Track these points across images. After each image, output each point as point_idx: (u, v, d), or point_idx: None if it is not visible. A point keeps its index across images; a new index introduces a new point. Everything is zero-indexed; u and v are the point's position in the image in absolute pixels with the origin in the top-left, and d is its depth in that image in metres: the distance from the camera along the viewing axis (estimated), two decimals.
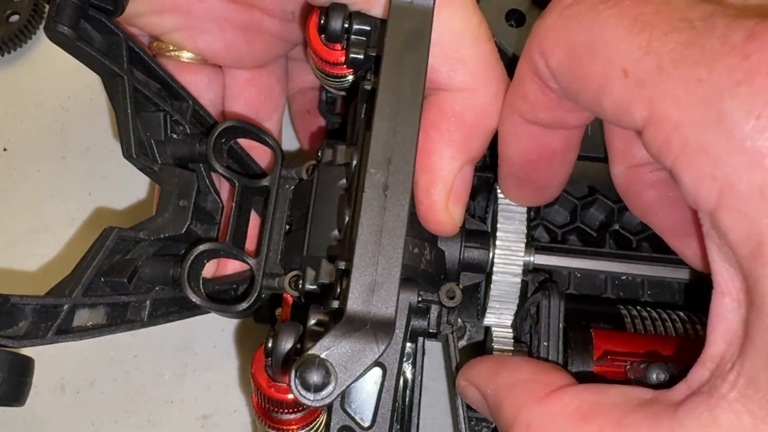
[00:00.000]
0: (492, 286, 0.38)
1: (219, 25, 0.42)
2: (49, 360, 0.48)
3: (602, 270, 0.42)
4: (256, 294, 0.39)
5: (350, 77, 0.38)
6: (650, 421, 0.26)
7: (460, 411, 0.38)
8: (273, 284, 0.39)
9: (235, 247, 0.40)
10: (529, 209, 0.39)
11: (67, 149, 0.56)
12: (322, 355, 0.29)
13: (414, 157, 0.32)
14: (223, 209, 0.42)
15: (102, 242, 0.38)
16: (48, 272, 0.53)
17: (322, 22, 0.35)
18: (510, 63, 0.40)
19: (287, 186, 0.41)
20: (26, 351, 0.34)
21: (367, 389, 0.32)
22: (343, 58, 0.37)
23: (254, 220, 0.42)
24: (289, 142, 0.53)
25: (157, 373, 0.50)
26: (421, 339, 0.37)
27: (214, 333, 0.51)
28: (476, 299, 0.42)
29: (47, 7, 0.36)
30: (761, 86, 0.23)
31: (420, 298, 0.34)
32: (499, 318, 0.39)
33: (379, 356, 0.29)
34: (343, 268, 0.32)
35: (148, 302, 0.39)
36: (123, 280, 0.37)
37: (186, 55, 0.44)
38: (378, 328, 0.29)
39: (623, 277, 0.43)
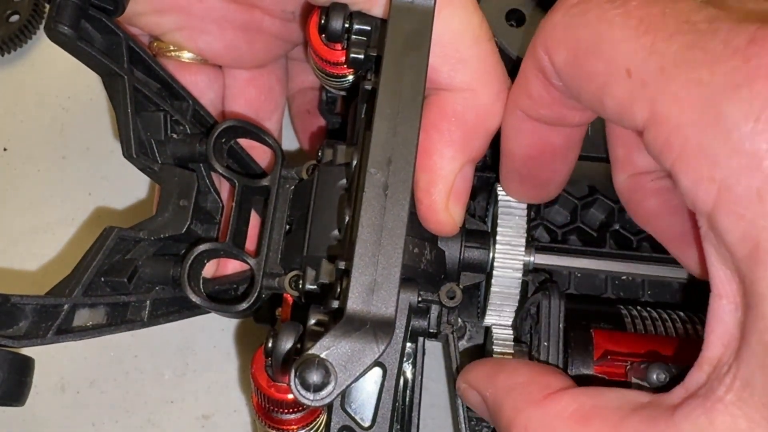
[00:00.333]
0: (492, 286, 0.38)
1: (219, 25, 0.42)
2: (49, 360, 0.48)
3: (602, 270, 0.42)
4: (256, 294, 0.39)
5: (350, 77, 0.38)
6: (647, 424, 0.26)
7: (460, 411, 0.38)
8: (273, 284, 0.39)
9: (235, 247, 0.40)
10: (529, 209, 0.39)
11: (67, 149, 0.56)
12: (322, 355, 0.29)
13: (414, 157, 0.32)
14: (223, 209, 0.42)
15: (102, 242, 0.38)
16: (48, 272, 0.53)
17: (322, 21, 0.35)
18: (510, 63, 0.41)
19: (287, 186, 0.41)
20: (26, 351, 0.34)
21: (368, 389, 0.32)
22: (343, 58, 0.37)
23: (254, 220, 0.42)
24: (289, 142, 0.53)
25: (157, 373, 0.50)
26: (421, 339, 0.37)
27: (214, 333, 0.51)
28: (476, 299, 0.42)
29: (47, 7, 0.36)
30: (761, 90, 0.23)
31: (420, 298, 0.34)
32: (500, 318, 0.39)
33: (379, 356, 0.29)
34: (343, 268, 0.32)
35: (148, 302, 0.39)
36: (123, 280, 0.37)
37: (186, 55, 0.44)
38: (378, 328, 0.29)
39: (623, 277, 0.43)
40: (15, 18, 0.58)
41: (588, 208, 0.44)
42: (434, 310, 0.36)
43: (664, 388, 0.28)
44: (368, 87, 0.35)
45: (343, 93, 0.41)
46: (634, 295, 0.43)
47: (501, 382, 0.32)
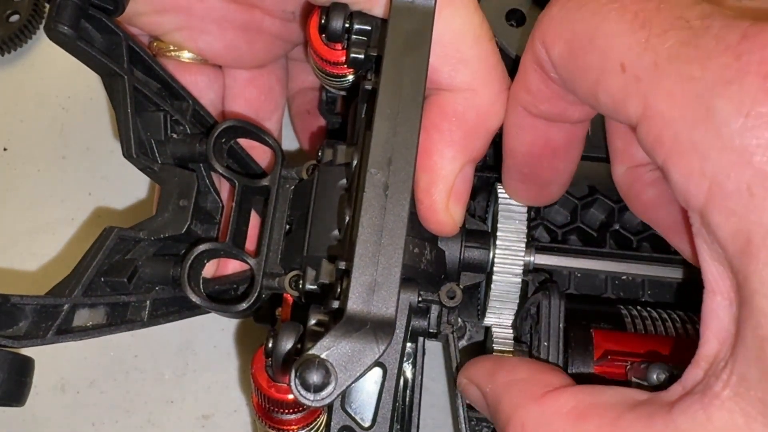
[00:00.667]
0: (492, 286, 0.38)
1: (219, 25, 0.42)
2: (49, 360, 0.48)
3: (602, 270, 0.42)
4: (256, 294, 0.39)
5: (351, 77, 0.38)
6: (645, 420, 0.26)
7: (460, 411, 0.38)
8: (273, 284, 0.39)
9: (235, 247, 0.40)
10: (530, 209, 0.39)
11: (67, 149, 0.56)
12: (322, 355, 0.29)
13: (414, 157, 0.32)
14: (223, 209, 0.42)
15: (102, 242, 0.38)
16: (48, 272, 0.53)
17: (322, 21, 0.35)
18: (510, 63, 0.41)
19: (287, 186, 0.41)
20: (26, 351, 0.34)
21: (368, 389, 0.32)
22: (343, 58, 0.37)
23: (254, 220, 0.42)
24: (289, 142, 0.53)
25: (157, 373, 0.50)
26: (421, 339, 0.37)
27: (214, 333, 0.51)
28: (476, 299, 0.42)
29: (47, 6, 0.36)
30: (751, 85, 0.23)
31: (420, 298, 0.34)
32: (500, 318, 0.39)
33: (380, 356, 0.29)
34: (344, 268, 0.32)
35: (148, 302, 0.39)
36: (123, 280, 0.37)
37: (186, 55, 0.44)
38: (378, 328, 0.29)
39: (623, 277, 0.43)
40: (15, 18, 0.58)
41: (588, 208, 0.44)
42: (434, 310, 0.36)
43: (664, 387, 0.28)
44: (368, 87, 0.35)
45: (343, 93, 0.41)
46: (634, 295, 0.43)
47: (501, 378, 0.32)
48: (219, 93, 0.46)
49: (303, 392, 0.28)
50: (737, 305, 0.24)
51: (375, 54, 0.35)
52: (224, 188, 0.43)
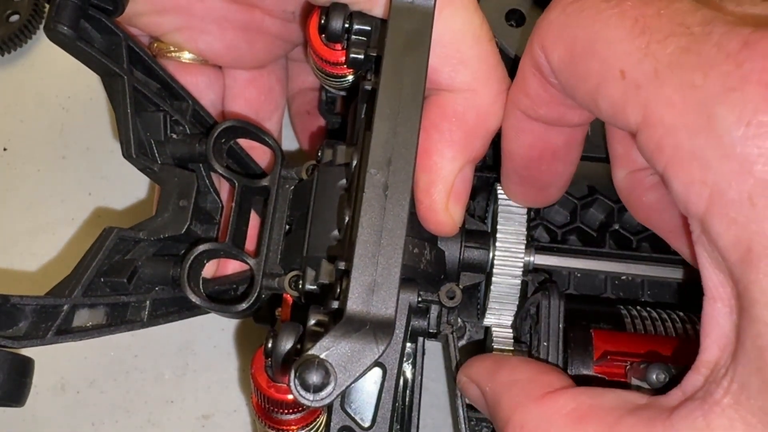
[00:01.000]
0: (492, 286, 0.38)
1: (219, 25, 0.42)
2: (49, 360, 0.48)
3: (602, 270, 0.42)
4: (255, 294, 0.39)
5: (350, 77, 0.38)
6: (644, 424, 0.26)
7: (460, 411, 0.38)
8: (273, 284, 0.39)
9: (234, 247, 0.40)
10: (529, 209, 0.39)
11: (67, 149, 0.56)
12: (322, 356, 0.29)
13: (414, 158, 0.32)
14: (223, 209, 0.42)
15: (102, 242, 0.38)
16: (48, 272, 0.53)
17: (322, 21, 0.35)
18: (510, 63, 0.41)
19: (287, 186, 0.41)
20: (26, 351, 0.34)
21: (367, 389, 0.32)
22: (343, 58, 0.37)
23: (254, 220, 0.42)
24: (289, 142, 0.53)
25: (157, 373, 0.50)
26: (421, 339, 0.37)
27: (214, 333, 0.51)
28: (476, 299, 0.42)
29: (47, 6, 0.36)
30: (753, 94, 0.23)
31: (420, 298, 0.34)
32: (499, 318, 0.39)
33: (379, 356, 0.29)
34: (343, 268, 0.32)
35: (148, 302, 0.39)
36: (123, 280, 0.37)
37: (186, 56, 0.44)
38: (378, 328, 0.29)
39: (623, 277, 0.43)
40: (15, 18, 0.58)
41: (588, 208, 0.44)
42: (434, 310, 0.36)
43: (664, 388, 0.28)
44: (368, 87, 0.35)
45: (343, 93, 0.41)
46: (633, 295, 0.43)
47: (501, 377, 0.32)
48: (219, 93, 0.46)
49: (302, 392, 0.28)
50: (737, 313, 0.24)
51: (375, 54, 0.35)
52: (224, 188, 0.43)
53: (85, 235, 0.54)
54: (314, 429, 0.37)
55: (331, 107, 0.47)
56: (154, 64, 0.40)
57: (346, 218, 0.34)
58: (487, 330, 0.40)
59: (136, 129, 0.39)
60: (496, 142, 0.36)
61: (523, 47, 0.31)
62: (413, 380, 0.37)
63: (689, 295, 0.42)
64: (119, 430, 0.49)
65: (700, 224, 0.25)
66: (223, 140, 0.41)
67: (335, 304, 0.32)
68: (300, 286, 0.37)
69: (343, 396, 0.31)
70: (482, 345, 0.42)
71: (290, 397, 0.35)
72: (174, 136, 0.41)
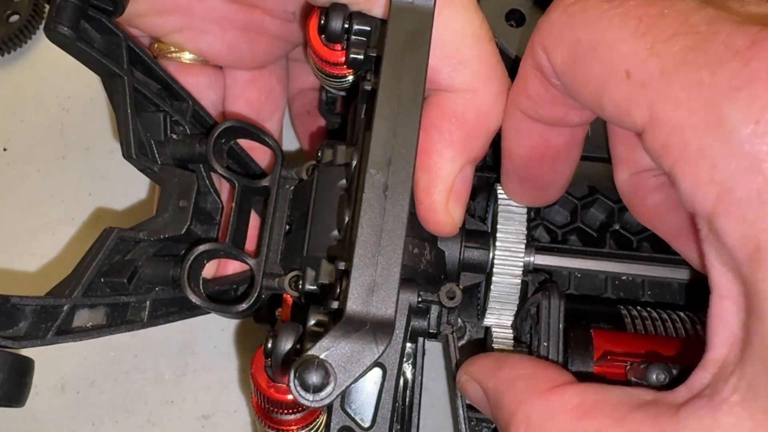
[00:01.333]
0: (492, 286, 0.38)
1: (220, 25, 0.42)
2: (49, 360, 0.48)
3: (602, 270, 0.42)
4: (256, 294, 0.39)
5: (350, 77, 0.38)
6: (651, 420, 0.26)
7: (460, 411, 0.38)
8: (273, 284, 0.39)
9: (235, 247, 0.40)
10: (529, 209, 0.39)
11: (67, 149, 0.56)
12: (322, 356, 0.29)
13: (414, 158, 0.32)
14: (223, 209, 0.42)
15: (102, 242, 0.38)
16: (48, 272, 0.53)
17: (322, 22, 0.35)
18: (510, 63, 0.41)
19: (287, 186, 0.41)
20: (26, 351, 0.34)
21: (367, 389, 0.32)
22: (343, 59, 0.37)
23: (254, 220, 0.42)
24: (289, 142, 0.53)
25: (157, 373, 0.50)
26: (421, 339, 0.37)
27: (214, 333, 0.51)
28: (476, 299, 0.42)
29: (47, 7, 0.36)
30: (761, 92, 0.23)
31: (420, 299, 0.34)
32: (499, 318, 0.39)
33: (379, 357, 0.29)
34: (343, 268, 0.32)
35: (148, 303, 0.39)
36: (123, 280, 0.37)
37: (187, 56, 0.44)
38: (377, 328, 0.29)
39: (623, 277, 0.43)
40: (15, 18, 0.58)
41: (588, 208, 0.44)
42: (434, 310, 0.36)
43: (664, 388, 0.28)
44: (368, 87, 0.35)
45: (343, 93, 0.41)
46: (634, 295, 0.43)
47: (504, 374, 0.32)
48: (220, 94, 0.46)
49: (302, 393, 0.28)
50: (745, 311, 0.24)
51: (374, 54, 0.35)
52: (224, 189, 0.43)
53: (85, 236, 0.54)
54: (314, 429, 0.37)
55: (332, 107, 0.47)
56: (154, 65, 0.40)
57: (346, 218, 0.34)
58: (487, 330, 0.40)
59: (136, 129, 0.39)
60: (496, 142, 0.36)
61: (523, 47, 0.31)
62: (413, 380, 0.37)
63: (689, 295, 0.42)
64: (119, 430, 0.49)
65: (707, 223, 0.24)
66: (223, 140, 0.41)
67: (335, 305, 0.32)
68: (300, 287, 0.37)
69: (343, 396, 0.31)
70: (482, 345, 0.42)
71: (290, 397, 0.35)
72: (174, 136, 0.41)
